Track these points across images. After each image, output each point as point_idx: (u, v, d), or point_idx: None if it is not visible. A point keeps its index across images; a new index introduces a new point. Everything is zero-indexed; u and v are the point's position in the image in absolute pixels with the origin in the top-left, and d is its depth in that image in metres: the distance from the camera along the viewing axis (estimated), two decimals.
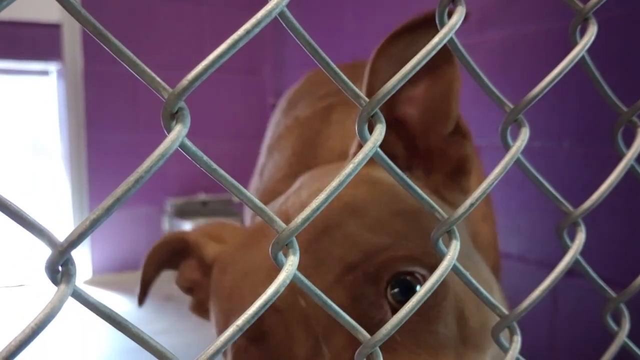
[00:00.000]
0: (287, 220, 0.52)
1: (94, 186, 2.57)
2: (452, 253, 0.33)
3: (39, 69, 2.64)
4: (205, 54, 0.25)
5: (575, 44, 0.39)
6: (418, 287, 0.46)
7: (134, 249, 2.64)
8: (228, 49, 0.25)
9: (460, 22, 0.33)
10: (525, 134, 0.37)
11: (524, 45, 1.48)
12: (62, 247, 0.21)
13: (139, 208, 2.65)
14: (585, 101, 1.33)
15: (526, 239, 1.49)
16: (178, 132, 0.24)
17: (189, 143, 0.25)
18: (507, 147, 0.37)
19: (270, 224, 0.28)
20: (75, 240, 0.21)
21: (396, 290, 0.47)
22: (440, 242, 0.34)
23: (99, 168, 2.57)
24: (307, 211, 0.28)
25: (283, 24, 0.28)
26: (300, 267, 0.46)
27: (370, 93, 0.54)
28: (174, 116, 0.24)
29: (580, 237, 0.42)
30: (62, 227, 2.58)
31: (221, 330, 0.57)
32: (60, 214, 2.62)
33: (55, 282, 0.21)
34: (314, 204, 0.28)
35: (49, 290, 0.20)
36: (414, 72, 0.30)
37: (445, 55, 0.48)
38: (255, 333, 0.49)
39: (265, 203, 0.51)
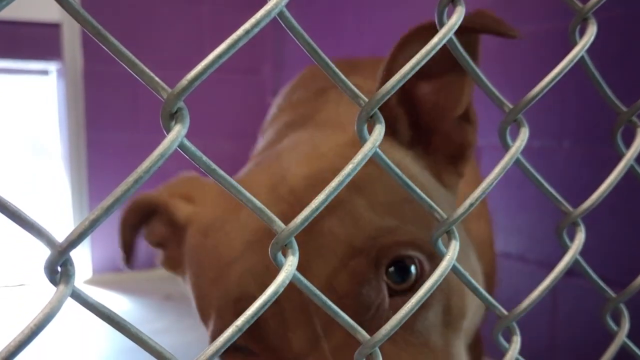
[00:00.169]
0: (286, 184, 0.53)
1: (93, 186, 2.57)
2: (451, 253, 0.33)
3: (39, 69, 2.64)
4: (204, 53, 0.25)
5: (574, 43, 0.39)
6: (413, 268, 0.48)
7: None
8: (227, 48, 0.25)
9: (460, 22, 0.33)
10: (524, 134, 0.37)
11: (524, 45, 1.48)
12: (61, 248, 0.21)
13: None
14: (584, 101, 1.33)
15: (526, 238, 1.49)
16: (177, 132, 0.24)
17: (188, 143, 0.25)
18: (506, 147, 0.37)
19: (269, 225, 0.28)
20: (74, 241, 0.21)
21: (392, 269, 0.48)
22: (440, 242, 0.34)
23: (98, 168, 2.57)
24: (306, 211, 0.28)
25: (282, 24, 0.28)
26: (304, 248, 0.46)
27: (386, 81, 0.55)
28: (173, 116, 0.24)
29: (580, 237, 0.42)
30: (62, 227, 2.58)
31: (203, 295, 0.56)
32: (60, 214, 2.62)
33: (54, 282, 0.21)
34: (314, 204, 0.28)
35: (49, 290, 0.20)
36: (413, 73, 0.30)
37: (470, 43, 0.49)
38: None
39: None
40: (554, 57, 0.42)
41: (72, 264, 0.22)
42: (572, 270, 0.45)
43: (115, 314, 0.23)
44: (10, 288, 2.41)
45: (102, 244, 2.57)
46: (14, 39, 2.46)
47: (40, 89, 2.73)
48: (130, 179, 0.23)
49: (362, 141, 0.30)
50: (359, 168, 0.29)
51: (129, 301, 2.27)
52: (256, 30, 0.26)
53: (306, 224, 0.27)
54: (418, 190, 0.33)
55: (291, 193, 0.52)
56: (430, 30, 0.54)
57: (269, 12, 0.26)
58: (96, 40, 0.24)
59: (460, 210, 0.33)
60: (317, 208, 0.28)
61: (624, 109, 0.45)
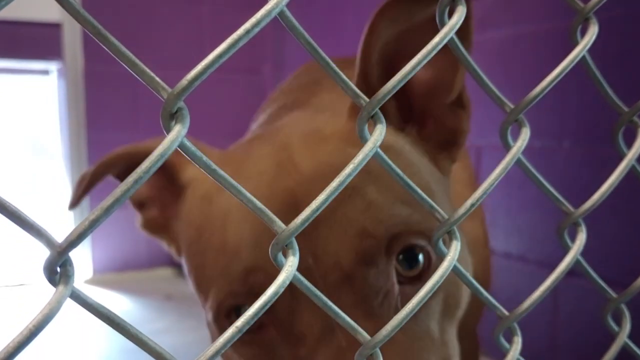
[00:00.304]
0: (287, 149, 0.53)
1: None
2: (452, 254, 0.33)
3: (40, 68, 2.64)
4: (205, 53, 0.25)
5: (576, 43, 0.39)
6: (421, 257, 0.49)
7: (134, 249, 2.64)
8: (228, 48, 0.25)
9: (461, 21, 0.32)
10: (526, 134, 0.37)
11: (524, 45, 1.48)
12: (61, 248, 0.21)
13: None
14: (585, 101, 1.33)
15: (526, 238, 1.49)
16: (177, 132, 0.24)
17: (188, 143, 0.24)
18: (507, 147, 0.37)
19: (269, 225, 0.28)
20: (74, 241, 0.21)
21: (401, 257, 0.49)
22: (441, 242, 0.34)
23: None
24: (307, 212, 0.28)
25: (283, 23, 0.28)
26: (316, 230, 0.48)
27: (366, 51, 0.55)
28: (174, 116, 0.24)
29: (581, 237, 0.42)
30: (63, 227, 2.58)
31: (205, 263, 0.54)
32: (61, 214, 2.62)
33: (54, 283, 0.21)
34: (314, 204, 0.28)
35: (49, 290, 0.20)
36: (413, 73, 0.30)
37: (464, 29, 0.50)
38: (257, 290, 0.47)
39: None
40: (555, 57, 0.42)
41: (71, 264, 0.22)
42: (573, 271, 0.45)
43: (114, 314, 0.23)
44: (10, 288, 2.41)
45: (102, 244, 2.57)
46: (14, 39, 2.46)
47: (41, 89, 2.73)
48: (130, 179, 0.23)
49: (362, 141, 0.30)
50: (359, 168, 0.29)
51: (129, 301, 2.27)
52: (256, 29, 0.25)
53: (306, 224, 0.27)
54: (418, 190, 0.33)
55: (298, 173, 0.52)
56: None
57: (269, 12, 0.26)
58: (96, 40, 0.24)
59: (462, 210, 0.33)
60: (317, 208, 0.28)
61: (625, 109, 0.45)
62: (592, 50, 0.40)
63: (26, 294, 2.34)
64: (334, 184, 0.28)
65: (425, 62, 0.31)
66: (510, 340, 0.40)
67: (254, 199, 0.27)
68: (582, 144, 1.35)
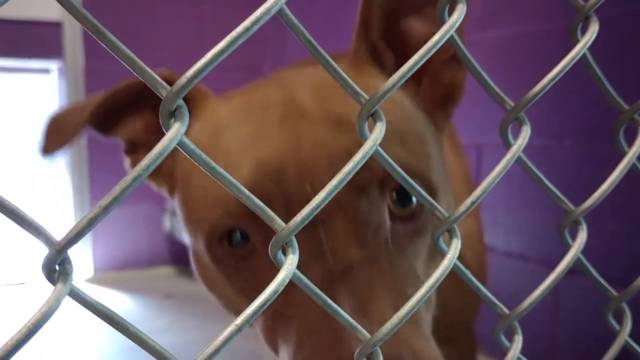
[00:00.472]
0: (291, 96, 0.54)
1: (95, 185, 2.57)
2: (452, 252, 0.33)
3: (40, 67, 2.64)
4: (205, 52, 0.25)
5: (576, 42, 0.39)
6: (414, 198, 0.51)
7: (135, 248, 2.64)
8: (227, 46, 0.25)
9: (461, 19, 0.32)
10: (526, 132, 0.37)
11: (525, 44, 1.48)
12: (59, 246, 0.21)
13: (140, 206, 2.65)
14: (586, 99, 1.32)
15: (527, 236, 1.49)
16: (176, 130, 0.24)
17: (187, 141, 0.24)
18: (508, 146, 0.37)
19: (269, 223, 0.28)
20: (72, 239, 0.21)
21: (395, 196, 0.51)
22: (441, 240, 0.34)
23: (100, 167, 2.57)
24: (306, 210, 0.27)
25: (283, 21, 0.28)
26: (316, 158, 0.49)
27: (367, 4, 0.57)
28: (173, 114, 0.24)
29: (582, 235, 0.41)
30: (64, 226, 2.58)
31: (205, 194, 0.55)
32: (62, 214, 2.62)
33: (52, 281, 0.21)
34: (314, 202, 0.28)
35: (49, 289, 0.20)
36: (414, 70, 0.30)
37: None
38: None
39: None
40: (556, 56, 0.42)
41: (70, 262, 0.22)
42: (574, 269, 0.45)
43: (114, 312, 0.23)
44: (10, 287, 2.42)
45: (103, 243, 2.57)
46: (15, 38, 2.46)
47: (42, 88, 2.73)
48: (129, 177, 0.23)
49: (362, 139, 0.30)
50: (359, 167, 0.29)
51: (129, 300, 2.27)
52: (256, 27, 0.25)
53: (306, 222, 0.27)
54: (417, 187, 0.33)
55: (304, 118, 0.53)
56: None
57: (268, 10, 0.26)
58: (96, 38, 0.24)
59: (462, 208, 0.33)
60: (317, 206, 0.27)
61: (626, 107, 0.45)
62: (592, 48, 0.40)
63: (26, 292, 2.34)
64: (334, 182, 0.28)
65: (424, 60, 0.31)
66: (511, 339, 0.40)
67: (253, 197, 0.27)
68: (582, 143, 1.35)
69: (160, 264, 2.68)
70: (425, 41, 0.60)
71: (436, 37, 0.31)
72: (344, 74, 0.30)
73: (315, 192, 0.48)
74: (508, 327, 0.39)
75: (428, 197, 0.34)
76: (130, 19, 2.57)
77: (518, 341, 0.40)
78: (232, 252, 0.53)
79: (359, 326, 0.30)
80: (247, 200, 0.27)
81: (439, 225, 0.34)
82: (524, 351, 0.41)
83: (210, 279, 0.60)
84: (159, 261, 2.68)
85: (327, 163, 0.50)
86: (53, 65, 2.62)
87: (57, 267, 0.21)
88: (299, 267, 0.49)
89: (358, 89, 0.31)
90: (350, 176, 0.28)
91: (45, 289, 2.30)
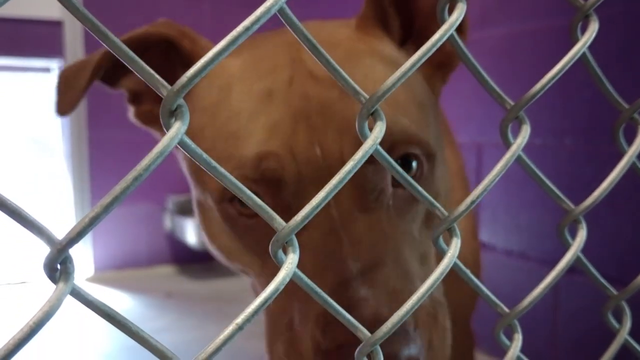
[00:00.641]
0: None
1: (95, 184, 2.57)
2: (452, 251, 0.33)
3: (41, 66, 2.64)
4: None
5: (576, 40, 0.39)
6: (415, 164, 0.55)
7: (135, 247, 2.64)
8: (227, 45, 0.25)
9: (461, 18, 0.32)
10: (526, 131, 0.37)
11: (525, 42, 1.48)
12: (61, 245, 0.21)
13: (140, 205, 2.65)
14: (586, 98, 1.32)
15: (527, 235, 1.49)
16: (177, 130, 0.24)
17: (187, 140, 0.24)
18: (507, 145, 0.37)
19: (269, 222, 0.28)
20: (73, 238, 0.21)
21: (398, 162, 0.54)
22: (441, 239, 0.34)
23: (100, 166, 2.57)
24: (306, 209, 0.28)
25: (282, 20, 0.28)
26: (325, 120, 0.51)
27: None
28: (173, 113, 0.24)
29: (582, 234, 0.42)
30: (64, 225, 2.58)
31: (213, 148, 0.56)
32: (63, 213, 2.62)
33: (54, 280, 0.21)
34: (314, 201, 0.28)
35: (51, 288, 0.20)
36: (412, 71, 0.30)
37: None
38: (268, 176, 0.51)
39: None
40: (556, 54, 0.42)
41: (71, 261, 0.22)
42: (574, 268, 0.45)
43: (115, 311, 0.23)
44: (12, 286, 2.42)
45: (103, 242, 2.57)
46: (16, 37, 2.46)
47: (42, 87, 2.73)
48: (130, 176, 0.23)
49: (362, 138, 0.30)
50: (359, 166, 0.29)
51: (130, 299, 2.27)
52: (256, 27, 0.25)
53: (306, 221, 0.27)
54: (418, 188, 0.33)
55: (311, 77, 0.55)
56: None
57: (268, 9, 0.26)
58: (96, 38, 0.24)
59: (462, 207, 0.33)
60: (317, 205, 0.28)
61: (626, 106, 0.45)
62: (593, 47, 0.40)
63: (28, 292, 2.34)
64: (334, 181, 0.28)
65: (424, 59, 0.31)
66: (510, 338, 0.40)
67: (254, 197, 0.27)
68: (583, 141, 1.35)
69: (160, 263, 2.68)
70: (430, 4, 0.62)
71: (436, 36, 0.31)
72: (343, 73, 0.30)
73: (324, 156, 0.51)
74: (508, 325, 0.40)
75: (426, 194, 0.34)
76: (130, 17, 2.57)
77: (518, 340, 0.40)
78: (243, 211, 0.55)
79: (359, 325, 0.30)
80: (248, 200, 0.27)
81: (439, 224, 0.34)
82: (523, 350, 0.41)
83: (214, 230, 0.62)
84: (159, 260, 2.68)
85: (336, 126, 0.52)
86: (54, 64, 2.62)
87: (58, 266, 0.21)
88: (307, 231, 0.51)
89: (357, 88, 0.31)
90: (351, 175, 0.29)
91: (46, 288, 2.31)
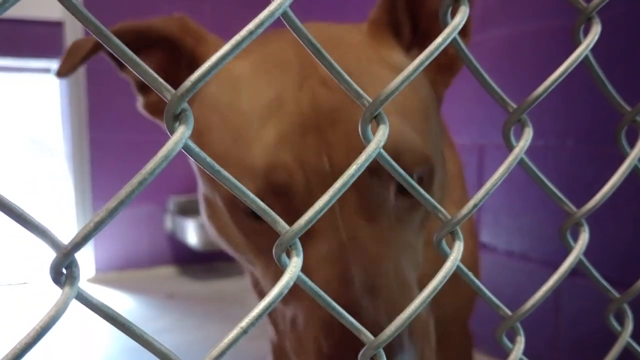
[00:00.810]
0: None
1: (96, 185, 2.57)
2: (455, 254, 0.33)
3: (41, 67, 2.64)
4: None
5: (578, 43, 0.39)
6: (415, 176, 0.55)
7: (136, 248, 2.65)
8: (231, 49, 0.25)
9: (464, 21, 0.33)
10: (528, 134, 0.37)
11: (526, 43, 1.48)
12: (66, 250, 0.21)
13: (142, 206, 2.65)
14: (589, 99, 1.32)
15: (528, 237, 1.49)
16: (181, 134, 0.24)
17: (192, 144, 0.25)
18: (510, 148, 0.37)
19: (273, 226, 0.28)
20: (79, 243, 0.21)
21: None
22: (443, 242, 0.34)
23: (101, 166, 2.57)
24: (310, 213, 0.28)
25: (286, 24, 0.28)
26: (334, 127, 0.51)
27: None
28: (177, 117, 0.24)
29: (584, 237, 0.42)
30: (65, 226, 2.58)
31: (222, 152, 0.56)
32: (63, 214, 2.63)
33: (60, 284, 0.21)
34: (318, 205, 0.28)
35: (52, 288, 0.20)
36: (415, 74, 0.30)
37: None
38: (277, 188, 0.52)
39: None
40: (558, 55, 0.42)
41: (77, 265, 0.22)
42: (576, 270, 0.45)
43: (120, 315, 0.23)
44: (12, 286, 2.42)
45: (105, 243, 2.58)
46: (16, 37, 2.46)
47: (43, 88, 2.73)
48: (135, 180, 0.23)
49: (366, 141, 0.30)
50: (362, 170, 0.29)
51: (131, 299, 2.27)
52: (260, 31, 0.25)
53: (310, 225, 0.27)
54: (421, 191, 0.33)
55: (322, 83, 0.55)
56: None
57: (272, 13, 0.26)
58: (99, 41, 0.24)
59: (464, 211, 0.33)
60: (321, 209, 0.28)
61: (628, 108, 0.45)
62: (594, 48, 0.40)
63: (28, 292, 2.34)
64: (338, 185, 0.28)
65: (427, 63, 0.31)
66: (513, 340, 0.40)
67: (257, 200, 0.27)
68: (585, 143, 1.35)
69: (161, 264, 2.68)
70: (435, 8, 0.62)
71: (439, 39, 0.31)
72: (346, 76, 0.30)
73: (332, 167, 0.51)
74: (510, 328, 0.40)
75: (430, 199, 0.34)
76: (130, 17, 2.57)
77: (520, 342, 0.40)
78: (252, 218, 0.55)
79: (362, 328, 0.30)
80: (252, 204, 0.27)
81: (441, 227, 0.34)
82: (525, 352, 0.41)
83: (221, 224, 0.63)
84: (161, 261, 2.68)
85: (344, 138, 0.52)
86: (54, 64, 2.62)
87: (64, 271, 0.22)
88: (313, 236, 0.52)
89: (360, 91, 0.31)
90: (354, 179, 0.29)
91: (47, 289, 2.31)
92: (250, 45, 0.64)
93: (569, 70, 0.37)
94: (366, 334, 0.31)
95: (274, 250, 0.27)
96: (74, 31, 2.47)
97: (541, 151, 1.42)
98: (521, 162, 0.37)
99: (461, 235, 0.34)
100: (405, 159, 0.53)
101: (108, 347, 1.81)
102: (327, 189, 0.50)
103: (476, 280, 0.36)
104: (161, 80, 0.25)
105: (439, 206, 0.34)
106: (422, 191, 0.33)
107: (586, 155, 1.34)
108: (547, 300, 0.40)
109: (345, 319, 0.30)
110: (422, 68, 0.31)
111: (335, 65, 0.29)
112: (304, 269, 0.50)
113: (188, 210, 2.61)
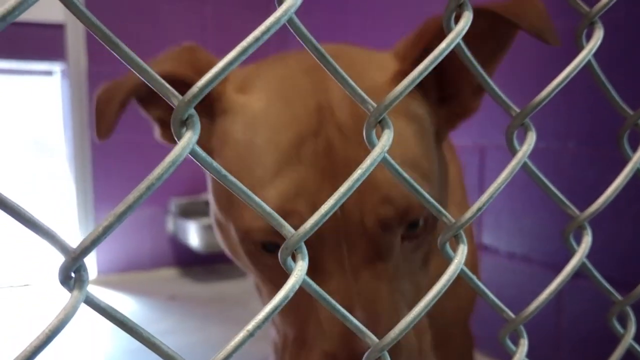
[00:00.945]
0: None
1: (98, 187, 2.58)
2: (459, 257, 0.33)
3: (43, 69, 2.65)
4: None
5: (581, 47, 0.39)
6: (421, 221, 0.57)
7: (138, 250, 2.65)
8: (237, 56, 0.25)
9: (467, 27, 0.33)
10: (532, 138, 0.37)
11: (526, 44, 1.48)
12: (75, 254, 0.21)
13: (144, 209, 2.66)
14: (591, 101, 1.32)
15: (530, 238, 1.49)
16: (188, 139, 0.24)
17: (199, 150, 0.25)
18: (513, 152, 0.37)
19: (278, 229, 0.28)
20: (88, 247, 0.22)
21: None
22: (447, 246, 0.35)
23: (103, 168, 2.57)
24: (315, 217, 0.28)
25: (292, 30, 0.28)
26: (341, 183, 0.51)
27: (427, 29, 0.59)
28: (184, 123, 0.25)
29: (587, 240, 0.42)
30: (67, 228, 2.58)
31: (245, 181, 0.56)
32: (65, 215, 2.63)
33: (69, 288, 0.22)
34: (323, 209, 0.28)
35: (53, 290, 0.20)
36: (420, 79, 0.31)
37: (509, 21, 0.56)
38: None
39: None
40: (561, 58, 0.42)
41: (85, 269, 0.22)
42: (578, 272, 0.45)
43: (127, 318, 0.24)
44: (14, 288, 2.42)
45: (107, 245, 2.58)
46: (18, 40, 2.47)
47: (44, 90, 2.74)
48: (143, 185, 0.23)
49: (370, 146, 0.30)
50: (367, 174, 0.29)
51: (133, 301, 2.28)
52: (266, 37, 0.26)
53: (316, 228, 0.28)
54: (426, 195, 0.33)
55: (339, 130, 0.55)
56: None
57: (278, 20, 0.26)
58: (107, 47, 0.24)
59: (468, 214, 0.34)
60: (326, 213, 0.28)
61: (631, 112, 0.45)
62: (597, 50, 0.40)
63: (30, 294, 2.35)
64: (343, 189, 0.28)
65: (431, 68, 0.31)
66: (516, 343, 0.40)
67: (263, 204, 0.27)
68: (587, 145, 1.35)
69: (163, 266, 2.68)
70: (461, 70, 0.62)
71: (443, 44, 0.32)
72: (351, 81, 0.30)
73: (345, 216, 0.52)
74: (513, 330, 0.40)
75: (433, 202, 0.34)
76: (132, 18, 2.58)
77: (524, 345, 0.40)
78: (264, 251, 0.56)
79: (367, 331, 0.31)
80: (257, 207, 0.27)
81: (445, 231, 0.34)
82: (527, 354, 0.41)
83: (233, 249, 0.64)
84: (163, 263, 2.68)
85: (358, 193, 0.51)
86: (56, 67, 2.63)
87: (72, 275, 0.22)
88: (320, 278, 0.54)
89: (365, 96, 0.31)
90: (358, 184, 0.29)
91: (49, 291, 2.31)
92: (264, 81, 0.64)
93: (572, 75, 0.38)
94: (371, 337, 0.31)
95: (279, 254, 0.28)
96: (75, 34, 2.48)
97: (542, 153, 1.43)
98: (524, 166, 0.37)
99: (465, 239, 0.35)
100: (414, 209, 0.54)
101: (110, 349, 1.81)
102: (339, 235, 0.53)
103: (479, 283, 0.37)
104: (168, 86, 0.25)
105: (443, 210, 0.34)
106: (427, 195, 0.33)
107: (587, 157, 1.34)
108: (549, 301, 0.40)
109: (350, 321, 0.30)
110: (425, 73, 0.31)
111: (340, 70, 0.29)
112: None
113: (190, 212, 2.61)
